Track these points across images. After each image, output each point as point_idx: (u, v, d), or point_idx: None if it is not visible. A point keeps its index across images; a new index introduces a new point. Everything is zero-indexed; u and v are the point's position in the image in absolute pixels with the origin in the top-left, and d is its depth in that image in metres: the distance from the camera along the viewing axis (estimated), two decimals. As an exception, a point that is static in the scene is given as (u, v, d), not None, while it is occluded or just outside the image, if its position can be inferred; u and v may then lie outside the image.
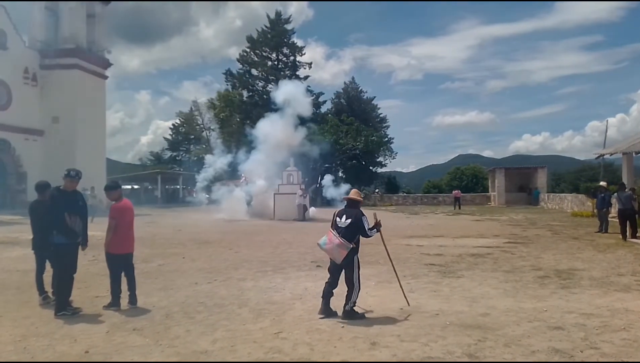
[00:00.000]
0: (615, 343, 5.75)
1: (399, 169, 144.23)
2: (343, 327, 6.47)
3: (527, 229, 20.77)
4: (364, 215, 7.07)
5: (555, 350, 5.48)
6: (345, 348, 5.64)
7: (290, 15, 63.65)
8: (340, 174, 60.03)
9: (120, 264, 7.69)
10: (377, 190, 55.76)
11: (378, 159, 63.95)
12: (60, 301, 7.17)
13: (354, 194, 7.40)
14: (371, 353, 5.48)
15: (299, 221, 26.58)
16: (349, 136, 56.82)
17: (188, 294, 8.50)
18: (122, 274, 7.73)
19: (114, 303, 7.51)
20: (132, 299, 7.65)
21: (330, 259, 7.13)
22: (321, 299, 7.12)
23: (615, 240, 15.79)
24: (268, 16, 61.58)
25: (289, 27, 61.96)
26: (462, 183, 63.01)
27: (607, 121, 32.95)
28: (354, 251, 6.96)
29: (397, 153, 66.63)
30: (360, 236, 7.09)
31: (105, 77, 42.62)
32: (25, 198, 33.06)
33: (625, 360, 5.24)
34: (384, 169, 68.30)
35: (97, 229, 11.50)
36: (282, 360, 5.29)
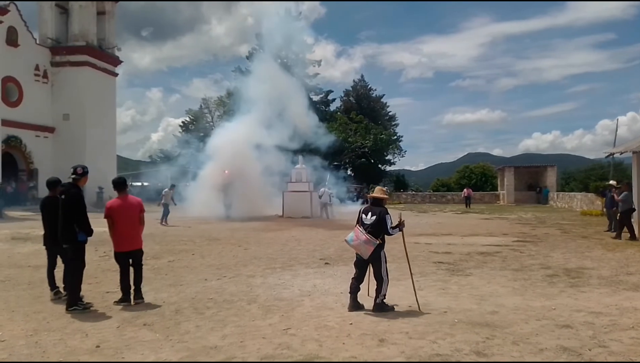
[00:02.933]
0: (623, 342, 5.74)
1: (407, 168, 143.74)
2: (351, 323, 6.50)
3: (536, 228, 20.71)
4: (388, 213, 7.23)
5: (563, 349, 5.48)
6: (354, 344, 5.67)
7: (300, 13, 63.58)
8: (349, 172, 59.97)
9: (126, 261, 7.74)
10: (385, 188, 55.66)
11: (387, 158, 63.85)
12: (73, 297, 7.25)
13: (378, 192, 7.68)
14: (379, 350, 5.50)
15: (319, 219, 26.36)
16: (357, 134, 56.79)
17: (198, 290, 8.57)
18: (132, 268, 7.81)
19: (124, 299, 7.59)
20: (136, 295, 7.69)
21: (356, 254, 7.31)
22: (349, 294, 7.30)
23: (624, 239, 15.70)
24: (278, 14, 61.61)
25: (298, 25, 61.92)
26: (471, 181, 62.68)
27: (617, 119, 32.64)
28: (381, 247, 7.14)
29: (406, 151, 66.51)
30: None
31: (116, 75, 42.83)
32: (36, 194, 33.32)
33: (634, 359, 5.23)
34: (392, 168, 68.22)
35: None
36: (290, 356, 5.33)
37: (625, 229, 15.92)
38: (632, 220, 16.01)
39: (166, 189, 23.24)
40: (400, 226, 7.34)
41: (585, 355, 5.33)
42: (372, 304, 7.16)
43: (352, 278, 7.37)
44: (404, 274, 8.34)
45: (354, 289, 7.26)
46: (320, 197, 27.50)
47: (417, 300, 7.40)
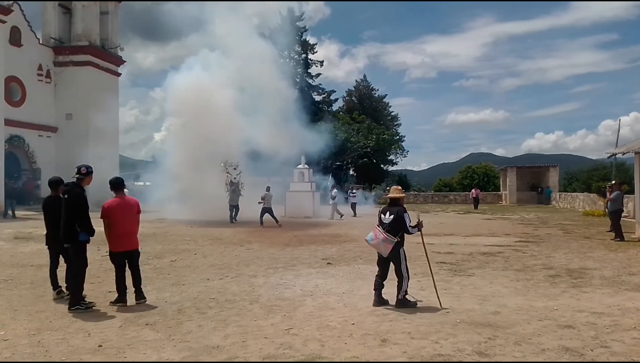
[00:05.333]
0: (625, 342, 5.74)
1: (410, 168, 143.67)
2: (353, 323, 6.51)
3: (538, 228, 20.70)
4: (406, 212, 7.47)
5: (565, 349, 5.48)
6: (356, 344, 5.67)
7: (303, 13, 63.44)
8: (351, 172, 59.98)
9: (122, 261, 7.72)
10: (387, 188, 55.55)
11: (389, 158, 63.86)
12: (75, 296, 7.26)
13: (394, 192, 7.88)
14: (381, 350, 5.51)
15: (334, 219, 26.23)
16: (360, 134, 56.77)
17: (200, 290, 8.58)
18: (130, 269, 7.80)
19: (120, 299, 7.58)
20: (138, 296, 7.68)
21: (377, 253, 7.52)
22: (374, 291, 7.54)
23: (626, 239, 15.67)
24: (280, 14, 61.56)
25: (301, 24, 61.85)
26: (473, 181, 62.64)
27: (619, 119, 32.48)
28: (399, 245, 7.37)
29: (408, 151, 66.49)
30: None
31: (119, 75, 42.86)
32: (39, 194, 33.33)
33: (636, 359, 5.23)
34: (395, 168, 68.25)
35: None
36: (292, 356, 5.34)
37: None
38: None
39: (266, 192, 22.67)
40: (419, 226, 7.57)
41: (587, 355, 5.33)
42: (395, 300, 7.38)
43: (376, 275, 7.61)
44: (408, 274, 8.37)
45: (378, 286, 7.52)
46: (333, 199, 27.50)
47: (438, 297, 7.55)
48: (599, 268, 10.64)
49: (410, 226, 7.39)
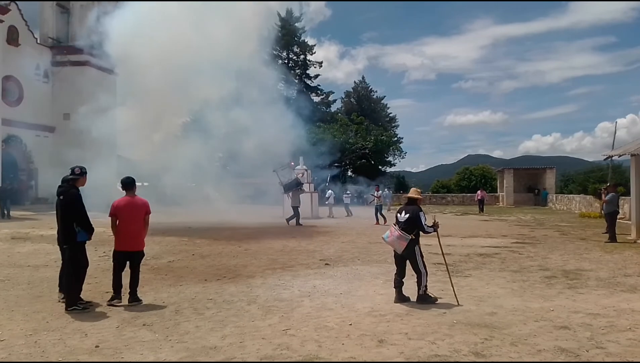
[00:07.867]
0: (621, 343, 5.77)
1: (408, 169, 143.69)
2: (351, 324, 6.52)
3: (535, 229, 20.74)
4: (421, 211, 7.76)
5: (561, 350, 5.51)
6: (353, 345, 5.69)
7: (302, 14, 63.27)
8: (349, 173, 59.93)
9: (123, 260, 7.73)
10: (386, 189, 55.49)
11: (387, 159, 63.85)
12: (72, 297, 7.26)
13: (412, 192, 8.19)
14: (378, 350, 5.53)
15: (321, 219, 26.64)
16: (358, 136, 56.77)
17: (197, 290, 8.58)
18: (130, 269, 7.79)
19: (115, 297, 7.58)
20: (131, 297, 7.63)
21: (394, 251, 7.79)
22: (394, 289, 7.80)
23: (622, 240, 15.73)
24: (279, 14, 61.47)
25: (300, 25, 61.84)
26: (470, 183, 62.69)
27: (616, 122, 32.53)
28: (414, 242, 7.62)
29: (406, 152, 66.41)
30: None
31: (117, 75, 42.78)
32: (35, 194, 33.25)
33: (630, 359, 5.26)
34: (393, 169, 68.22)
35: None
36: (290, 356, 5.35)
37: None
38: None
39: (383, 192, 25.58)
40: (435, 226, 7.87)
41: (583, 356, 5.36)
42: (416, 296, 7.65)
43: (395, 274, 7.87)
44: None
45: (398, 283, 7.77)
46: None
47: (455, 293, 7.77)
48: (595, 270, 10.67)
49: (426, 224, 7.67)
